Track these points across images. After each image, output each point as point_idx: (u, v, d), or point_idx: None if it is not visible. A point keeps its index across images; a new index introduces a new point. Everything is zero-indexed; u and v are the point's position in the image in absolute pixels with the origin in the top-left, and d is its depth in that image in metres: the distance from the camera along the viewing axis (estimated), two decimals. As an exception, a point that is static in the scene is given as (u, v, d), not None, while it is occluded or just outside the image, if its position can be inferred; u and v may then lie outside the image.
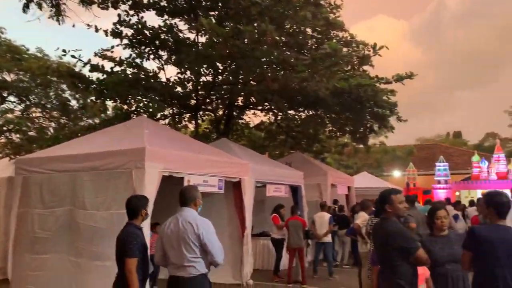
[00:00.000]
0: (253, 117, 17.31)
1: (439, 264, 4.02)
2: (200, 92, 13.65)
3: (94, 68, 11.94)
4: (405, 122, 13.68)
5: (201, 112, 15.86)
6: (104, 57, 12.50)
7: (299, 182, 11.08)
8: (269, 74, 9.88)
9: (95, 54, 12.53)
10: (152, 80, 12.15)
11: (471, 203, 13.35)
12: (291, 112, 15.88)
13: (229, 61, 11.67)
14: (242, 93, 13.60)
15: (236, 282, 8.62)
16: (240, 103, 15.56)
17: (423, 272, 3.97)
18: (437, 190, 22.78)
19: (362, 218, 7.58)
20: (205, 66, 12.23)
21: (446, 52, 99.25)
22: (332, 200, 12.58)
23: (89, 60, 12.09)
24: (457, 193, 22.42)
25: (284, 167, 11.41)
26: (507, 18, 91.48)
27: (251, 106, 15.86)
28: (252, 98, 14.36)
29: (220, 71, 13.01)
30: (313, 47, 11.85)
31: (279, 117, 16.41)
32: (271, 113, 16.37)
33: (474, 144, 50.94)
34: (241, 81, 12.25)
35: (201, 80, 13.13)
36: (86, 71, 12.50)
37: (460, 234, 4.04)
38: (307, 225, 9.37)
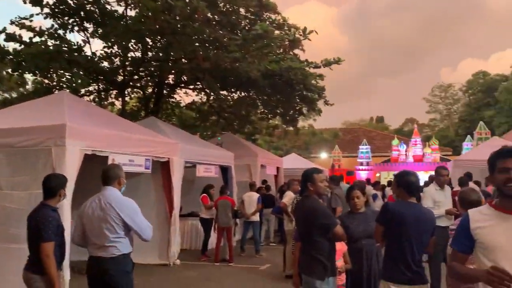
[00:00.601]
0: (185, 97, 17.04)
1: (355, 239, 4.28)
2: (128, 68, 13.12)
3: (10, 37, 10.99)
4: (332, 106, 14.23)
5: (129, 89, 15.29)
6: (22, 26, 11.52)
7: (229, 162, 11.14)
8: (201, 53, 9.72)
9: (12, 22, 11.52)
10: (76, 54, 11.45)
11: (389, 183, 14.28)
12: (224, 92, 15.81)
13: (159, 37, 11.32)
14: (173, 71, 13.29)
15: (162, 262, 8.55)
16: (171, 82, 15.21)
17: (341, 247, 4.20)
18: (360, 171, 24.09)
19: (288, 197, 7.82)
20: (133, 41, 11.75)
21: (371, 40, 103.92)
22: (261, 180, 12.81)
23: (5, 29, 11.09)
24: (377, 174, 23.80)
25: (214, 147, 11.40)
26: (429, 12, 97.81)
27: (182, 85, 15.57)
28: (184, 76, 14.08)
29: (149, 47, 12.57)
30: (246, 27, 11.84)
31: (211, 98, 16.28)
32: (203, 93, 16.19)
33: (395, 128, 54.34)
34: (171, 58, 11.94)
35: (129, 55, 12.62)
36: (1, 40, 11.48)
37: (376, 212, 4.31)
38: (236, 205, 9.48)
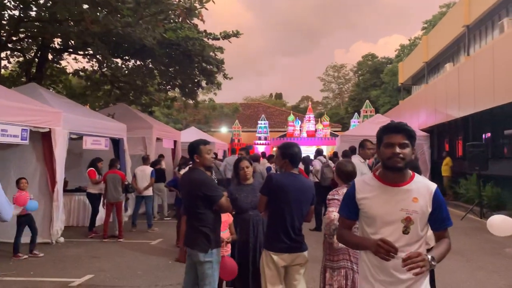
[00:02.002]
0: (75, 63, 15.63)
1: (243, 210, 4.31)
2: (6, 28, 11.58)
3: None
4: (231, 79, 14.17)
5: (8, 52, 13.59)
6: None
7: (121, 134, 10.56)
8: (89, 14, 8.87)
9: None
10: None
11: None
12: (118, 60, 14.82)
13: (41, -6, 10.10)
14: (59, 34, 12.03)
15: (44, 240, 7.93)
16: (57, 45, 13.81)
17: (227, 219, 4.20)
18: (258, 145, 24.73)
19: (185, 171, 7.65)
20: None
21: (274, 19, 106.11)
22: (158, 154, 12.42)
23: None
24: (274, 149, 24.56)
25: (105, 118, 10.68)
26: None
27: (71, 50, 14.23)
28: (71, 41, 12.85)
29: (30, 4, 11.18)
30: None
31: (104, 65, 15.15)
32: (94, 60, 14.97)
33: (292, 105, 56.62)
34: (56, 19, 10.76)
35: (4, 12, 11.10)
36: None
37: (264, 183, 4.36)
38: (126, 179, 9.05)
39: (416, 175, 2.30)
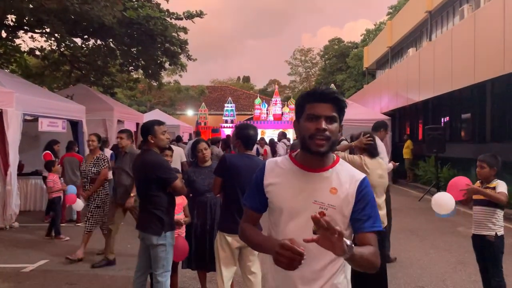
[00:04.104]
0: (31, 42, 14.90)
1: (200, 193, 4.26)
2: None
3: None
4: (195, 61, 13.94)
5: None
6: None
7: (80, 116, 10.23)
8: (43, -10, 8.46)
9: None
10: None
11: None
12: (77, 40, 14.25)
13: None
14: (12, 10, 11.42)
15: (-1, 226, 7.66)
16: (11, 22, 13.12)
17: (181, 201, 4.14)
18: (224, 128, 24.59)
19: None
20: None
21: (241, 2, 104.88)
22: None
23: None
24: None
25: (62, 99, 10.30)
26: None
27: (26, 28, 13.55)
28: (26, 17, 12.23)
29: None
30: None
31: (62, 45, 14.52)
32: (53, 38, 14.34)
33: (259, 88, 56.58)
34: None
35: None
36: None
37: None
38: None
39: (341, 160, 1.81)
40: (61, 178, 8.05)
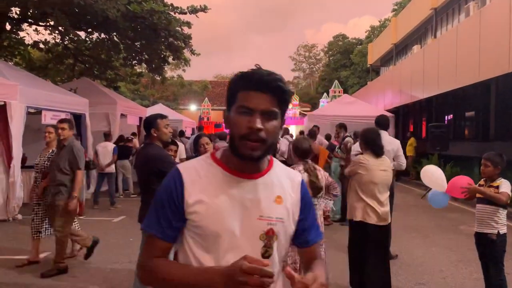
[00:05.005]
0: (36, 35, 14.91)
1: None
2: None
3: None
4: (199, 55, 13.88)
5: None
6: None
7: (83, 110, 10.24)
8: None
9: None
10: None
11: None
12: (81, 33, 14.24)
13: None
14: (16, 2, 11.41)
15: (2, 218, 7.71)
16: (15, 15, 13.11)
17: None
18: (227, 124, 24.59)
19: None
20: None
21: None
22: (131, 132, 12.25)
23: None
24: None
25: (66, 93, 10.32)
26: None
27: (31, 21, 13.55)
28: (30, 10, 12.22)
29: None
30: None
31: (66, 38, 14.53)
32: (57, 31, 14.33)
33: (263, 84, 56.41)
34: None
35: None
36: None
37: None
38: (87, 156, 8.81)
39: (274, 159, 1.41)
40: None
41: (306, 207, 1.40)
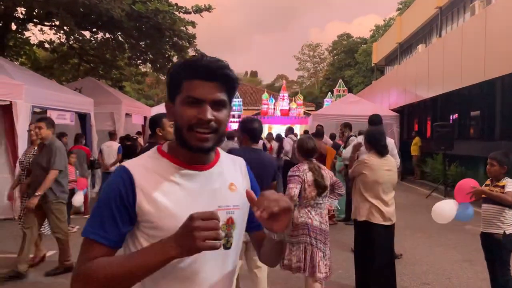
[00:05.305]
0: (41, 35, 15.00)
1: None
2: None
3: None
4: (203, 55, 13.89)
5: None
6: None
7: (88, 109, 10.29)
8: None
9: None
10: None
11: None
12: (86, 33, 14.30)
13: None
14: (22, 2, 11.48)
15: (6, 216, 7.76)
16: (21, 15, 13.19)
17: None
18: (231, 123, 24.61)
19: None
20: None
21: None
22: (136, 132, 12.29)
23: None
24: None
25: (71, 92, 10.36)
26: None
27: (36, 21, 13.62)
28: (35, 10, 12.30)
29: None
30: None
31: (71, 38, 14.59)
32: (62, 31, 14.41)
33: (267, 83, 56.51)
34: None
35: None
36: None
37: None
38: (92, 155, 8.85)
39: (218, 148, 1.37)
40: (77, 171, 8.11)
41: (255, 192, 1.28)
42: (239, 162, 1.43)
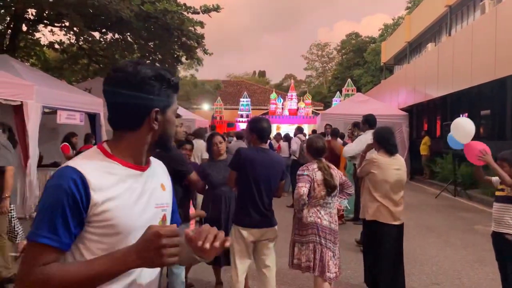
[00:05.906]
0: (51, 36, 15.18)
1: (215, 186, 4.29)
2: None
3: None
4: (211, 55, 13.94)
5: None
6: None
7: (97, 109, 10.36)
8: (62, -16, 8.56)
9: None
10: None
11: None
12: (95, 33, 14.42)
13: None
14: (32, 4, 11.60)
15: (18, 215, 7.79)
16: (31, 16, 13.34)
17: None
18: (240, 123, 24.63)
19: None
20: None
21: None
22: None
23: None
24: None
25: (80, 92, 10.45)
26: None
27: (46, 22, 13.76)
28: (45, 11, 12.42)
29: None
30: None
31: (81, 38, 14.71)
32: (72, 32, 14.54)
33: (275, 83, 56.40)
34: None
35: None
36: None
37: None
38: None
39: None
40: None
41: (172, 192, 1.50)
42: (160, 163, 1.53)
